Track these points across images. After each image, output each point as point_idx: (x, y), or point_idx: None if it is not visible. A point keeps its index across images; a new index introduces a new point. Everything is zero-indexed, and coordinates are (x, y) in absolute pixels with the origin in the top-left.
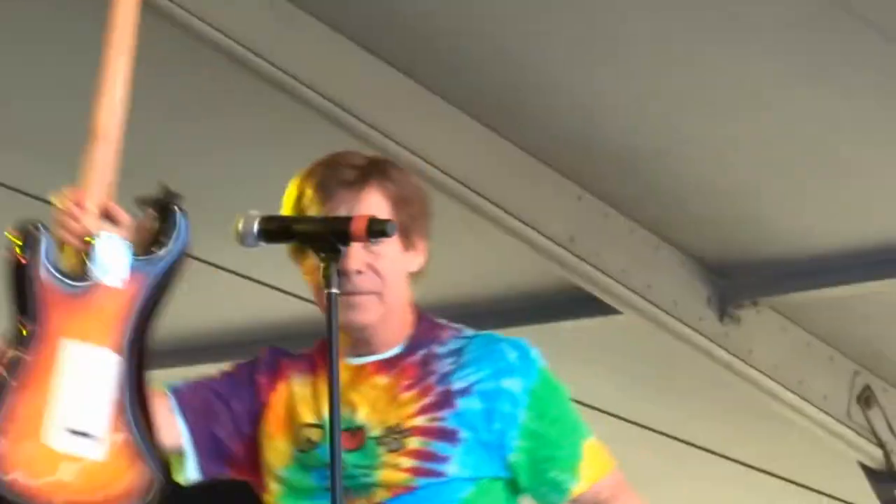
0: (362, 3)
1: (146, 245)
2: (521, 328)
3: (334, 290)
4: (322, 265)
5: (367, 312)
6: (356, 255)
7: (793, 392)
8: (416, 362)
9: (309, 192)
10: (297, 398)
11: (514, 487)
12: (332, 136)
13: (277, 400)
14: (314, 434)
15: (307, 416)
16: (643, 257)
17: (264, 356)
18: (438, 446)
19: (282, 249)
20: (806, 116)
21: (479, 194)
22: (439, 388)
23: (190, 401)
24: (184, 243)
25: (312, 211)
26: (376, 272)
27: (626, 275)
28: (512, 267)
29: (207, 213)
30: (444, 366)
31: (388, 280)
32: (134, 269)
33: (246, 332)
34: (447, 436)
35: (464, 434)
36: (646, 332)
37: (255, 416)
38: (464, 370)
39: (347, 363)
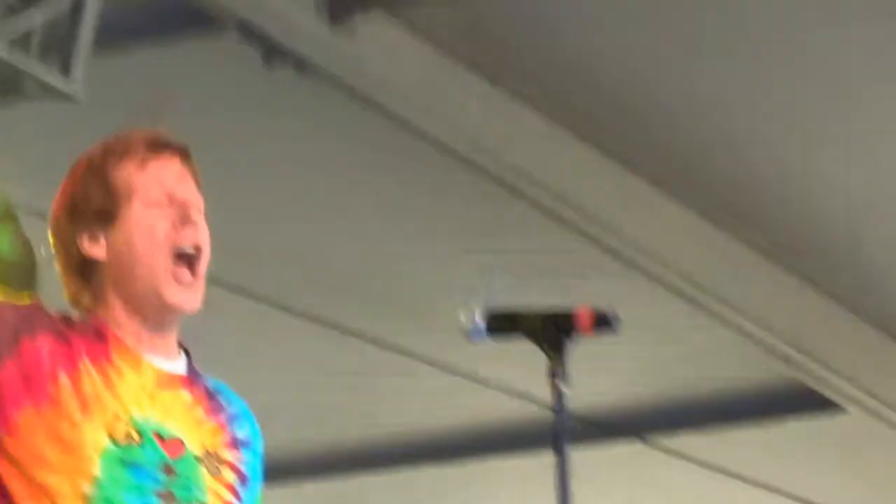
0: (575, 91)
1: None
2: (746, 424)
3: (565, 389)
4: (550, 363)
5: (198, 298)
6: (196, 233)
7: None
8: (205, 392)
9: (121, 152)
10: (99, 386)
11: None
12: (550, 229)
13: (84, 380)
14: (134, 434)
15: (117, 409)
16: (869, 354)
17: (50, 317)
18: (240, 487)
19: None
20: None
21: (704, 290)
22: (229, 431)
23: None
24: None
25: (122, 179)
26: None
27: (852, 372)
28: (736, 362)
29: (429, 314)
30: (226, 408)
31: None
32: None
33: (464, 432)
34: (243, 480)
35: (248, 484)
36: (873, 429)
37: (25, 375)
38: (237, 421)
39: (154, 364)
